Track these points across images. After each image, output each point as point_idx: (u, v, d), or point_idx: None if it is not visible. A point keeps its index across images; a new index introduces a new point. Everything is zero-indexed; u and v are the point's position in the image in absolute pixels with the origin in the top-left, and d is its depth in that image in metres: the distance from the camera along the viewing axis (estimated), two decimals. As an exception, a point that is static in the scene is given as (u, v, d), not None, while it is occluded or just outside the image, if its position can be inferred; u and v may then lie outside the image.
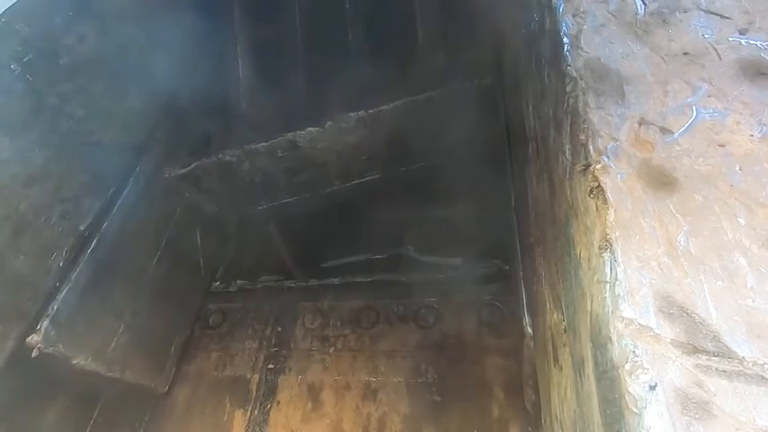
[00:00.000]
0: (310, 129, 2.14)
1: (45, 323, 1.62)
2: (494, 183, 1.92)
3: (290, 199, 2.48)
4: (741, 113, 0.71)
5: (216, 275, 2.66)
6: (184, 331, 2.35)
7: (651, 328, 0.56)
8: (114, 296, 1.92)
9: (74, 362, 1.73)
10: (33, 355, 1.59)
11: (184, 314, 2.38)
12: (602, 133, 0.74)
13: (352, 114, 2.12)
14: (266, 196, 2.46)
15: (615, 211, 0.66)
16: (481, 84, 2.07)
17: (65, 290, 1.71)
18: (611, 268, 0.62)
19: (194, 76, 2.11)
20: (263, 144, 2.20)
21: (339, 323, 2.22)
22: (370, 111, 2.11)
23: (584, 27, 0.88)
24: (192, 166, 2.25)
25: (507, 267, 2.04)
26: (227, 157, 2.24)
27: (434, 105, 2.11)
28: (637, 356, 0.55)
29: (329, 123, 2.13)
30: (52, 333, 1.64)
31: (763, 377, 0.51)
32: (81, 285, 1.76)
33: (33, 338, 1.60)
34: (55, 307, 1.66)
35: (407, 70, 2.22)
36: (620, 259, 0.62)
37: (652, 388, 0.53)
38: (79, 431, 1.86)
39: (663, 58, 0.80)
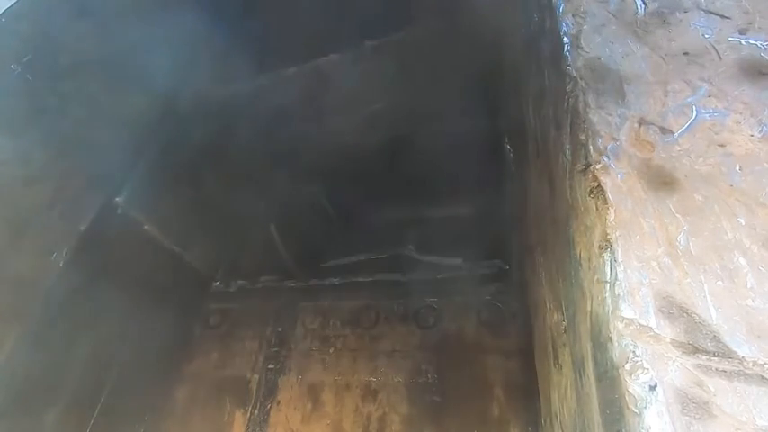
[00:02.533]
0: (333, 55, 2.26)
1: (127, 188, 1.93)
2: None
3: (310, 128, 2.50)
4: (741, 113, 0.71)
5: (216, 275, 2.66)
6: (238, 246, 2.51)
7: (651, 328, 0.56)
8: (182, 180, 2.10)
9: (145, 227, 1.96)
10: (118, 212, 1.92)
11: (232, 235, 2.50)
12: (602, 133, 0.74)
13: (368, 43, 2.21)
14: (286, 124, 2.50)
15: (615, 211, 0.66)
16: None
17: (141, 164, 2.00)
18: (611, 268, 0.62)
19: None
20: (293, 69, 2.31)
21: (339, 323, 2.21)
22: (384, 39, 2.20)
23: (584, 27, 0.88)
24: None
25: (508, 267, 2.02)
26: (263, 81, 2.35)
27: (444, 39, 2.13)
28: (637, 356, 0.55)
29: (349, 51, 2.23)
30: (131, 198, 1.93)
31: (763, 377, 0.51)
32: (155, 160, 2.01)
33: (118, 200, 1.92)
34: (134, 177, 1.95)
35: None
36: (620, 259, 0.62)
37: (652, 388, 0.53)
38: (79, 431, 1.86)
39: (663, 58, 0.80)
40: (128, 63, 2.02)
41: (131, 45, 2.01)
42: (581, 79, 0.81)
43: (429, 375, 1.93)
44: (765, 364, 0.52)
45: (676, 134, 0.71)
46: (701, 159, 0.68)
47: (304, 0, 2.23)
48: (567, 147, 0.82)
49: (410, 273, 2.27)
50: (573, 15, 0.91)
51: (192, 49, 2.15)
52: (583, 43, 0.86)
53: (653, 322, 0.57)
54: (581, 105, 0.78)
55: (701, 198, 0.64)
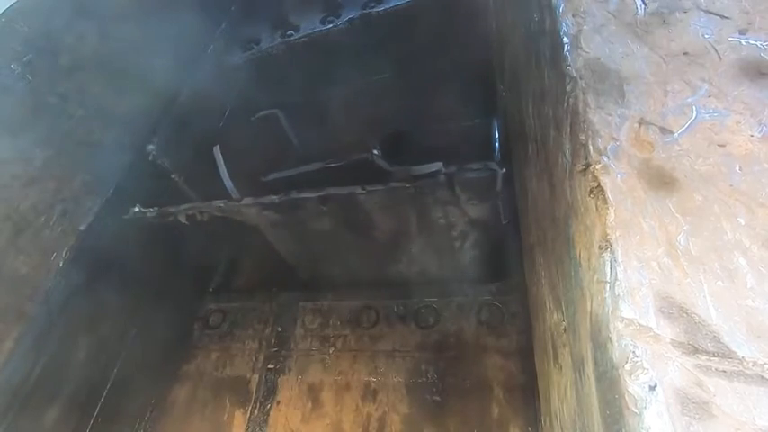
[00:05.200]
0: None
1: (157, 137, 2.04)
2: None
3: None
4: (741, 113, 0.71)
5: (216, 275, 2.66)
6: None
7: (651, 328, 0.56)
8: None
9: (172, 176, 2.05)
10: (150, 158, 2.03)
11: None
12: (602, 133, 0.74)
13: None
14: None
15: (615, 211, 0.66)
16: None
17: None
18: (610, 268, 0.62)
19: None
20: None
21: (339, 323, 2.21)
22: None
23: (584, 27, 0.88)
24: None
25: (504, 170, 1.58)
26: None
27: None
28: (637, 356, 0.55)
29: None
30: (161, 147, 2.03)
31: (763, 377, 0.51)
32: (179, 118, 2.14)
33: (150, 147, 2.03)
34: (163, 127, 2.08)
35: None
36: (619, 259, 0.62)
37: (652, 388, 0.53)
38: (79, 431, 1.86)
39: (663, 58, 0.80)
40: (128, 63, 2.02)
41: (131, 45, 2.02)
42: (581, 79, 0.81)
43: (429, 375, 1.93)
44: (765, 364, 0.52)
45: (676, 134, 0.71)
46: (700, 159, 0.68)
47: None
48: (567, 147, 0.82)
49: (374, 184, 1.77)
50: (573, 15, 0.91)
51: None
52: (583, 43, 0.86)
53: (653, 322, 0.57)
54: (581, 105, 0.78)
55: (700, 198, 0.64)
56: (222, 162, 2.02)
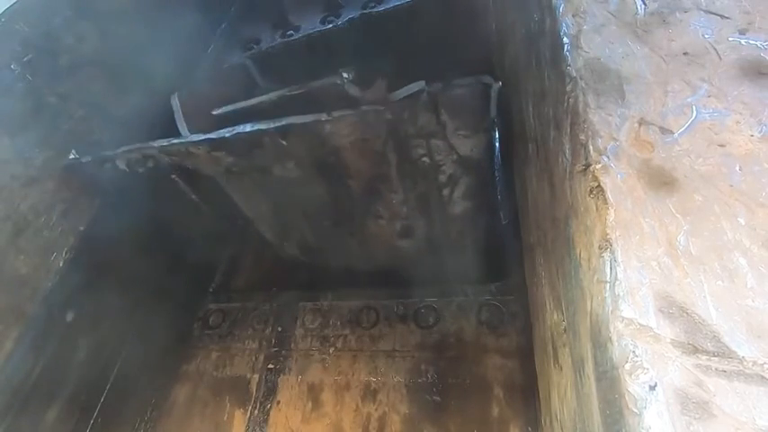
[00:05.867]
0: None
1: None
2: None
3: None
4: (741, 113, 0.71)
5: (216, 275, 2.66)
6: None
7: (651, 328, 0.56)
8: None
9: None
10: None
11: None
12: (602, 133, 0.74)
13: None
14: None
15: (615, 211, 0.66)
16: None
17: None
18: (611, 268, 0.62)
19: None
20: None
21: (339, 323, 2.21)
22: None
23: (584, 27, 0.88)
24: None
25: (500, 83, 1.34)
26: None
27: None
28: (637, 356, 0.55)
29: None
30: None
31: (763, 377, 0.51)
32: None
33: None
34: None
35: None
36: (620, 259, 0.62)
37: (652, 388, 0.53)
38: (79, 431, 1.86)
39: (663, 58, 0.80)
40: (128, 63, 2.02)
41: (131, 45, 2.02)
42: (581, 79, 0.81)
43: (429, 375, 1.93)
44: (765, 364, 0.52)
45: (676, 134, 0.71)
46: (700, 159, 0.68)
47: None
48: (567, 147, 0.82)
49: (337, 109, 1.46)
50: (573, 15, 0.91)
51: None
52: (583, 43, 0.86)
53: (653, 322, 0.57)
54: (581, 105, 0.78)
55: (700, 198, 0.64)
56: (179, 110, 1.78)
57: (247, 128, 1.54)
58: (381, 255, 2.16)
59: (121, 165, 1.74)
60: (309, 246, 2.22)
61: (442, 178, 1.66)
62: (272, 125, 1.50)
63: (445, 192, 1.72)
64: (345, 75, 1.51)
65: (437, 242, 2.00)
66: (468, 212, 1.80)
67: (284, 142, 1.55)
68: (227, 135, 1.56)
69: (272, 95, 1.69)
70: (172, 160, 1.73)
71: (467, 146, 1.52)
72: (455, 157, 1.56)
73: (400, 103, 1.39)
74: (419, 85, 1.36)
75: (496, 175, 1.72)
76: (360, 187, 1.76)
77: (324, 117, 1.45)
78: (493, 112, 1.39)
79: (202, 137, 1.61)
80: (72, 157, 1.78)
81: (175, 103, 1.79)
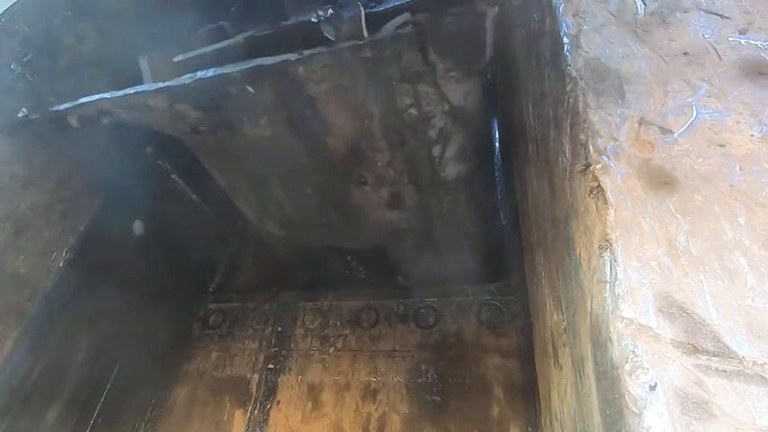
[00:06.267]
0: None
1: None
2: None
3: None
4: (741, 113, 0.71)
5: (216, 275, 2.66)
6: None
7: (651, 328, 0.56)
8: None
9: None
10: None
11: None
12: (602, 133, 0.74)
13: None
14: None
15: (615, 211, 0.66)
16: None
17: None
18: (611, 268, 0.62)
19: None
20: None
21: (339, 323, 2.22)
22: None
23: (584, 27, 0.88)
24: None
25: (497, 8, 1.16)
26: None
27: None
28: (637, 356, 0.55)
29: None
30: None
31: (763, 377, 0.51)
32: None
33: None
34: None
35: None
36: (620, 259, 0.62)
37: (652, 388, 0.53)
38: (79, 431, 1.86)
39: (663, 58, 0.80)
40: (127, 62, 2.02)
41: (131, 45, 2.01)
42: (581, 79, 0.81)
43: (429, 375, 1.93)
44: (765, 364, 0.52)
45: (676, 134, 0.71)
46: (700, 159, 0.68)
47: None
48: (567, 147, 0.82)
49: (310, 48, 1.27)
50: (573, 15, 0.91)
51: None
52: (583, 43, 0.86)
53: (653, 322, 0.57)
54: (581, 105, 0.78)
55: (700, 198, 0.64)
56: (148, 73, 1.60)
57: (209, 73, 1.35)
58: (369, 230, 1.95)
59: (73, 121, 1.54)
60: (290, 220, 2.01)
61: (432, 133, 1.46)
62: (236, 68, 1.33)
63: (436, 150, 1.51)
64: (321, 12, 1.28)
65: (429, 215, 1.79)
66: (462, 179, 1.60)
67: (251, 89, 1.37)
68: (187, 81, 1.37)
69: (239, 38, 1.50)
70: (131, 117, 1.52)
71: (459, 93, 1.33)
72: (446, 107, 1.37)
73: (380, 38, 1.19)
74: (404, 17, 1.17)
75: (493, 131, 1.50)
76: (340, 147, 1.55)
77: (294, 57, 1.26)
78: (489, 49, 1.19)
79: (160, 84, 1.42)
80: (21, 115, 1.56)
81: (144, 63, 1.60)
